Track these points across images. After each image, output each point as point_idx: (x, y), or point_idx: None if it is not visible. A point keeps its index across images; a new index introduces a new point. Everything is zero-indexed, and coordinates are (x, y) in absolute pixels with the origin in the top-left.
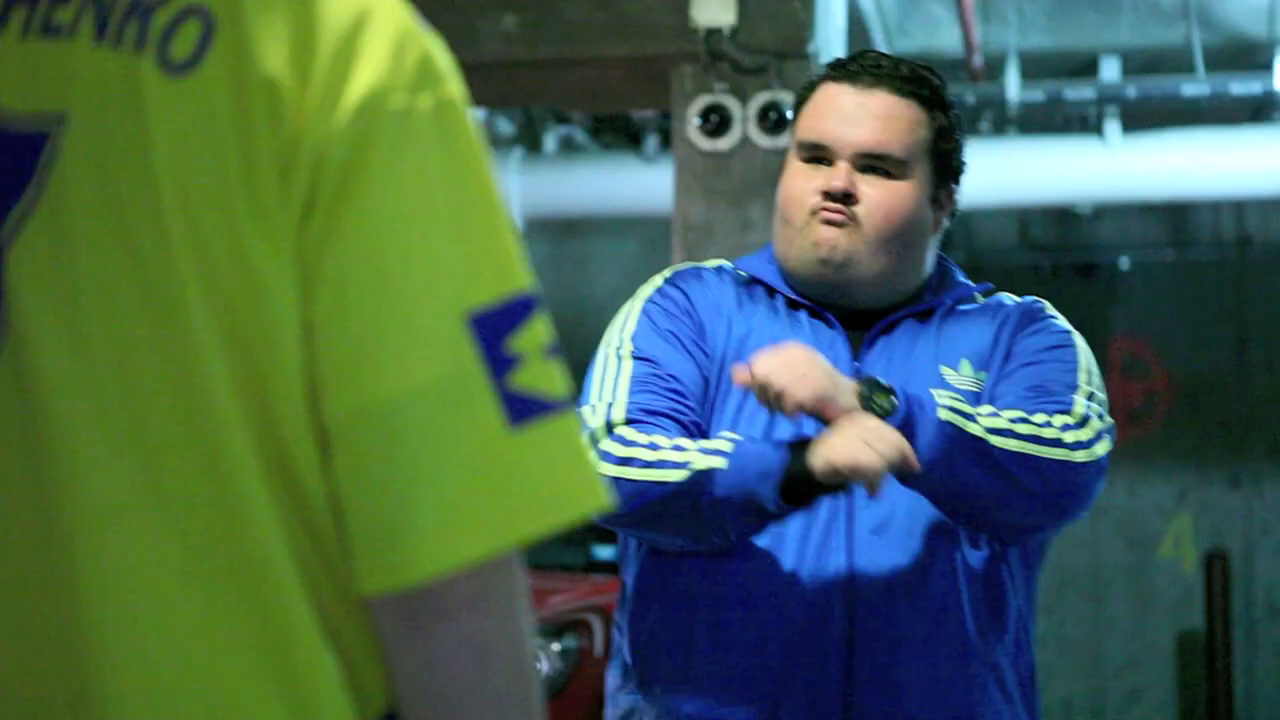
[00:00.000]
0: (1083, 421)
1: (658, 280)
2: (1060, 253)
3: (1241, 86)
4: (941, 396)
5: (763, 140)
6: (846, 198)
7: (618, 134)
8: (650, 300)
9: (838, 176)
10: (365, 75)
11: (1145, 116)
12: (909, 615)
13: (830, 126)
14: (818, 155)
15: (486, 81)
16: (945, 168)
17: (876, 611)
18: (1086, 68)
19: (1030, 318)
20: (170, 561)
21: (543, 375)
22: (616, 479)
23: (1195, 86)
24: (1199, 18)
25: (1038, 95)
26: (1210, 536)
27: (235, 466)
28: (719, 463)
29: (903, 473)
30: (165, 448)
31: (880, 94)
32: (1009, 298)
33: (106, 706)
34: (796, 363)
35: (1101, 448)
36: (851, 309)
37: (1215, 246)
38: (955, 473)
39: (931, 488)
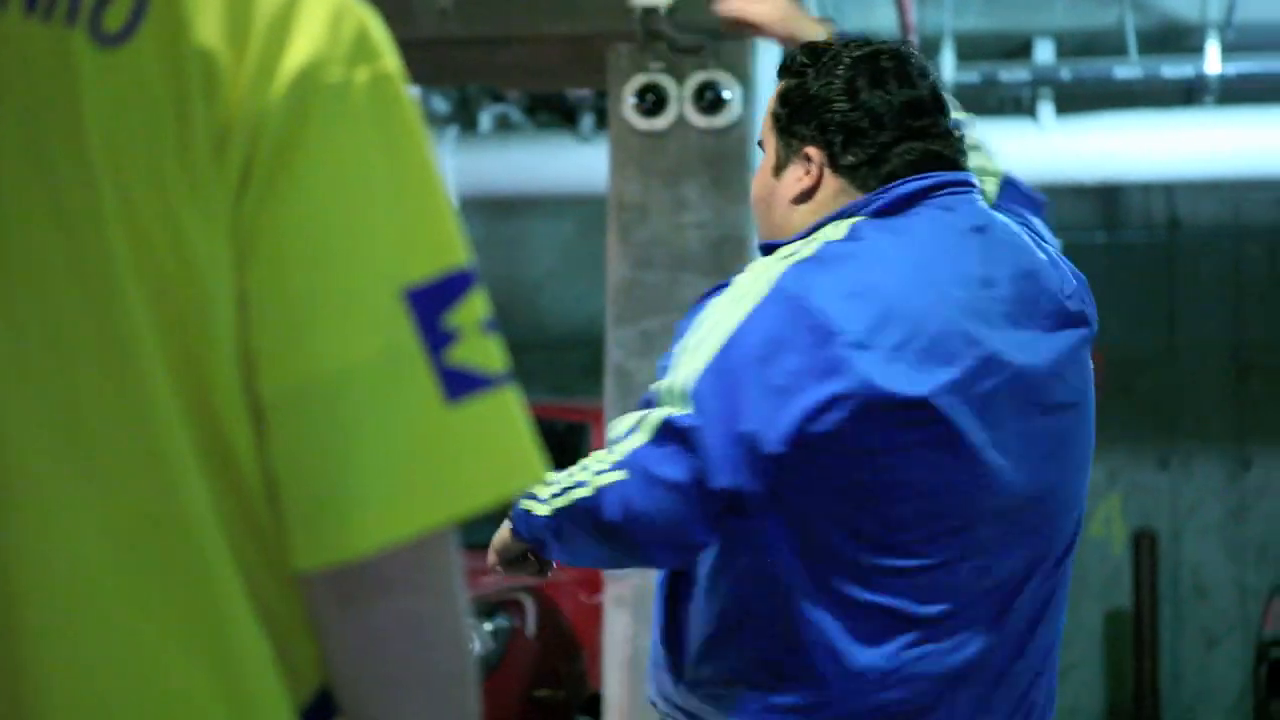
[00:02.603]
0: (639, 421)
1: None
2: None
3: (1173, 69)
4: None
5: (698, 120)
6: None
7: (553, 113)
8: None
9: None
10: (301, 48)
11: (1078, 99)
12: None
13: None
14: None
15: (422, 59)
16: (789, 129)
17: None
18: (1021, 50)
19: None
20: (101, 543)
21: (480, 350)
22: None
23: (1128, 69)
24: (1132, 1)
25: (972, 77)
26: (1139, 517)
27: (168, 445)
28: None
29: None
30: (97, 425)
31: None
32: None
33: (36, 682)
34: None
35: (614, 475)
36: None
37: (1146, 229)
38: (558, 548)
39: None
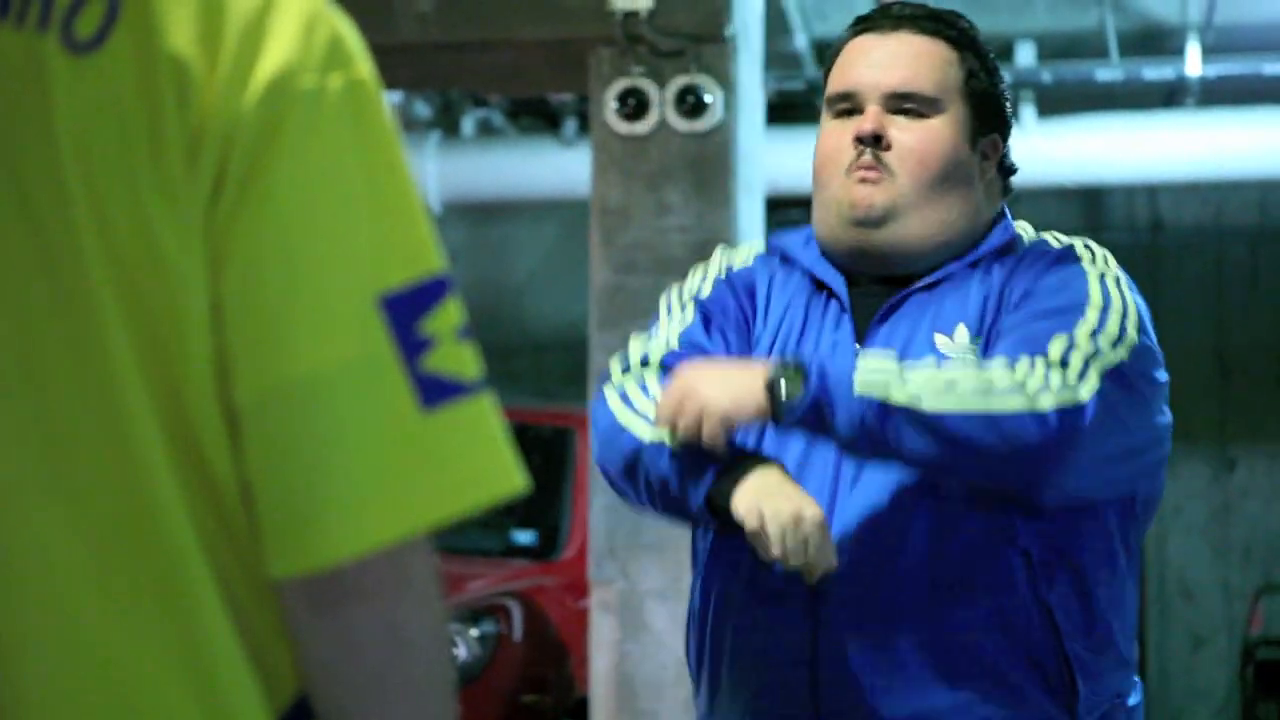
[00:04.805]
0: (1061, 362)
1: (718, 261)
2: None
3: (1155, 72)
4: (866, 364)
5: (680, 124)
6: (877, 140)
7: (536, 117)
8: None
9: (867, 120)
10: (275, 55)
11: (1060, 101)
12: (876, 590)
13: (854, 73)
14: (846, 108)
15: (403, 64)
16: (984, 111)
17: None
18: (1002, 52)
19: (1054, 259)
20: (75, 549)
21: (455, 357)
22: (612, 417)
23: (1109, 71)
24: (1113, 3)
25: None
26: None
27: (141, 450)
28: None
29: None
30: (69, 433)
31: (903, 35)
32: (1053, 241)
33: (10, 688)
34: (691, 388)
35: (1085, 389)
36: (893, 275)
37: (1129, 231)
38: (888, 443)
39: (872, 459)
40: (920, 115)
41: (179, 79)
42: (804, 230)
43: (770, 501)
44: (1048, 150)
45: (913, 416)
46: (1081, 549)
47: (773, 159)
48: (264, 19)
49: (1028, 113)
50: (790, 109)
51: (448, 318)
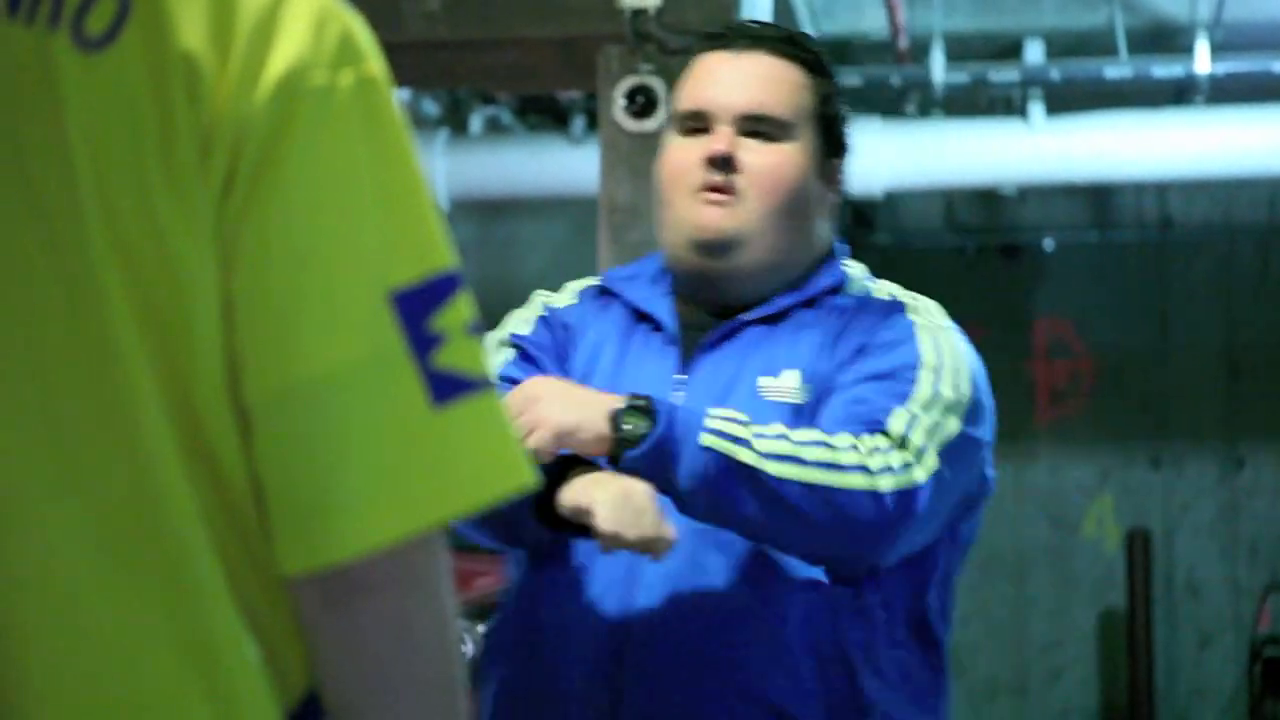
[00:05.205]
0: (901, 442)
1: (533, 307)
2: (985, 234)
3: (1164, 69)
4: (714, 418)
5: None
6: (727, 163)
7: (544, 115)
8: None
9: (719, 140)
10: (285, 52)
11: (1069, 99)
12: (680, 641)
13: (707, 92)
14: (697, 126)
15: (411, 62)
16: (831, 138)
17: (649, 634)
18: (1011, 50)
19: (883, 315)
20: (85, 548)
21: (465, 354)
22: None
23: (1118, 69)
24: (1122, 1)
25: (962, 78)
26: (1132, 516)
27: (152, 449)
28: None
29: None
30: (79, 431)
31: (759, 56)
32: (882, 291)
33: (20, 683)
34: (536, 397)
35: (922, 471)
36: (728, 305)
37: (1138, 228)
38: (724, 503)
39: (702, 517)
40: (771, 139)
41: (190, 76)
42: (645, 260)
43: (599, 485)
44: (1056, 148)
45: (755, 479)
46: (890, 589)
47: None
48: (275, 16)
49: (1036, 110)
50: None
51: (458, 314)
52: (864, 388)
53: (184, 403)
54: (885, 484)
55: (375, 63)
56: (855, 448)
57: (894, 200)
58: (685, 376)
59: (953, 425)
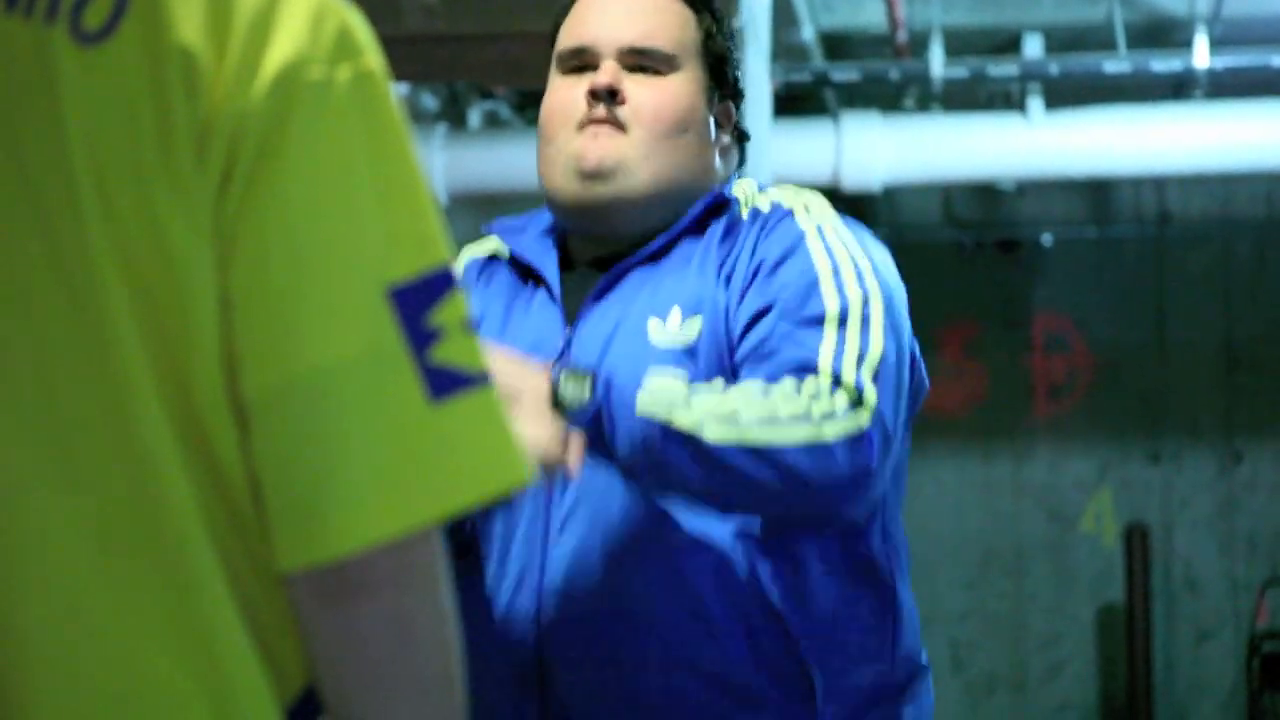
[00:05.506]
0: (835, 380)
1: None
2: (983, 229)
3: (1162, 64)
4: (650, 384)
5: None
6: (612, 95)
7: None
8: None
9: (603, 74)
10: (283, 46)
11: (1067, 93)
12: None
13: (589, 28)
14: (579, 64)
15: (409, 56)
16: (719, 74)
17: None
18: (1010, 45)
19: (770, 228)
20: (84, 546)
21: (463, 349)
22: None
23: (1117, 64)
24: None
25: (961, 72)
26: (1130, 511)
27: (149, 443)
28: None
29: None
30: (78, 426)
31: None
32: (765, 201)
33: (19, 679)
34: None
35: (864, 413)
36: (615, 239)
37: (1136, 223)
38: (665, 471)
39: (645, 487)
40: (656, 73)
41: (188, 71)
42: (537, 213)
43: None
44: (1055, 143)
45: (693, 445)
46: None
47: (780, 150)
48: (272, 10)
49: (1035, 105)
50: (797, 100)
51: (455, 309)
52: (776, 323)
53: (183, 399)
54: (831, 432)
55: (373, 57)
56: (795, 395)
57: (892, 194)
58: (570, 329)
59: (876, 342)
